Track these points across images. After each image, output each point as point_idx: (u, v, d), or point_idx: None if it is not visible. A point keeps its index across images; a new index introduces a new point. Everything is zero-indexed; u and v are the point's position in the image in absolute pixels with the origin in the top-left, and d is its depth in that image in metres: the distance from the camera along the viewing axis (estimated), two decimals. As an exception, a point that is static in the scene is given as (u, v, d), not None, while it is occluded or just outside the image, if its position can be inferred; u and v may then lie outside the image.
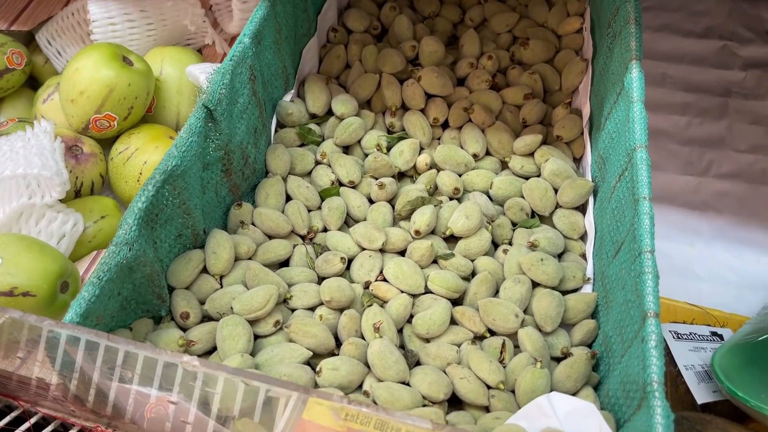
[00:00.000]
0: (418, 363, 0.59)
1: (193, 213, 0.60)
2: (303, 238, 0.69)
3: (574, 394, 0.55)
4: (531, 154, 0.75)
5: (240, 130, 0.64)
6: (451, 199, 0.72)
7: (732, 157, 0.88)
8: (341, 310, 0.61)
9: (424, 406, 0.54)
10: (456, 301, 0.64)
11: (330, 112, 0.80)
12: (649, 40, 1.01)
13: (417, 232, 0.67)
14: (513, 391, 0.56)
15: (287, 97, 0.78)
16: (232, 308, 0.58)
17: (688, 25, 1.04)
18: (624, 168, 0.55)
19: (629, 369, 0.46)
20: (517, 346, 0.60)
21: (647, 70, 0.98)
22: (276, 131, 0.77)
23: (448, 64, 0.85)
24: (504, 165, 0.77)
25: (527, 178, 0.73)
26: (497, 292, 0.64)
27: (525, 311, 0.62)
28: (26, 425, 0.52)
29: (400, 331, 0.62)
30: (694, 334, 0.65)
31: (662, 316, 0.69)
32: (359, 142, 0.77)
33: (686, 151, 0.88)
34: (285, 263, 0.67)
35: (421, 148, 0.77)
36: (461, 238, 0.68)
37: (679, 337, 0.64)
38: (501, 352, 0.59)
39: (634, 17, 0.64)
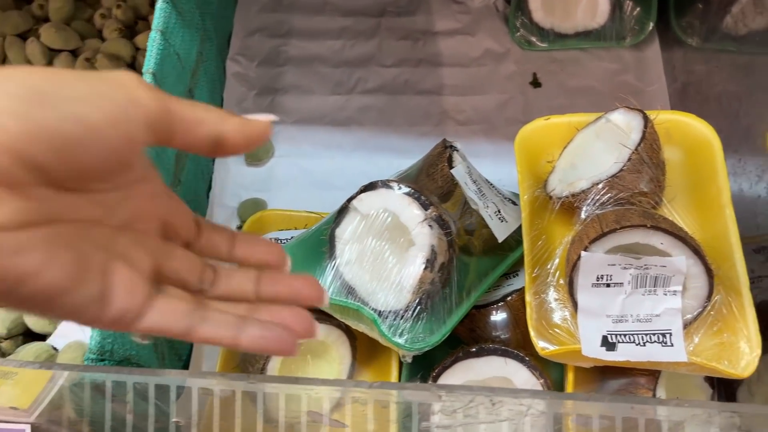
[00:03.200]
0: None
1: None
2: None
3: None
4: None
5: None
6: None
7: (378, 72, 0.95)
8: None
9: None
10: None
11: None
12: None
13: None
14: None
15: None
16: None
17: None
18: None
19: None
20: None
21: (309, 0, 1.03)
22: None
23: (86, 18, 0.87)
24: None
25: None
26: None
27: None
28: None
29: None
30: (293, 237, 0.72)
31: (279, 225, 0.76)
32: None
33: (338, 73, 0.95)
34: None
35: (52, 104, 0.79)
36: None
37: (277, 242, 0.71)
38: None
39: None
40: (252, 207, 0.80)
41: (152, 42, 0.59)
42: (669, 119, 0.64)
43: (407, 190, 0.58)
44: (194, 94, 0.71)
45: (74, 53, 0.82)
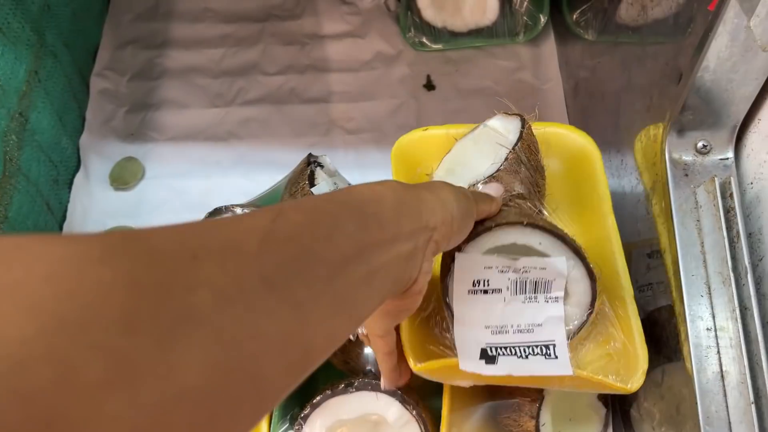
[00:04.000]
0: None
1: None
2: None
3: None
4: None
5: None
6: None
7: (261, 81, 0.88)
8: None
9: None
10: None
11: None
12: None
13: None
14: None
15: None
16: None
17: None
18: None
19: None
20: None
21: (188, 7, 0.96)
22: None
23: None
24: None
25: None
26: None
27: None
28: None
29: None
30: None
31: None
32: None
33: (217, 84, 0.88)
34: None
35: None
36: None
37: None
38: None
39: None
40: (117, 236, 0.73)
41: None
42: (547, 131, 0.60)
43: (254, 215, 0.52)
44: (28, 117, 0.63)
45: None
